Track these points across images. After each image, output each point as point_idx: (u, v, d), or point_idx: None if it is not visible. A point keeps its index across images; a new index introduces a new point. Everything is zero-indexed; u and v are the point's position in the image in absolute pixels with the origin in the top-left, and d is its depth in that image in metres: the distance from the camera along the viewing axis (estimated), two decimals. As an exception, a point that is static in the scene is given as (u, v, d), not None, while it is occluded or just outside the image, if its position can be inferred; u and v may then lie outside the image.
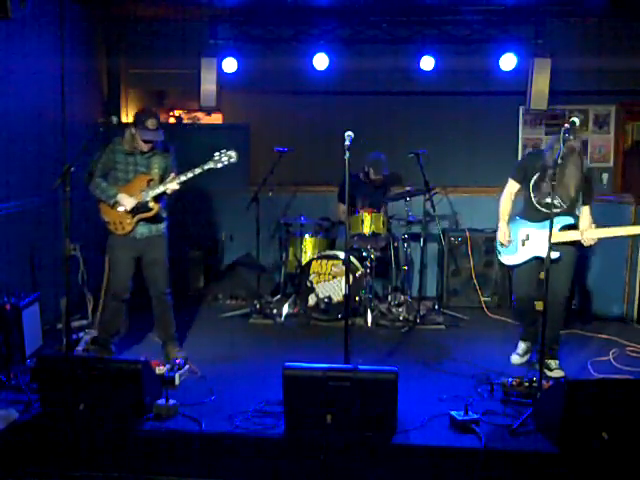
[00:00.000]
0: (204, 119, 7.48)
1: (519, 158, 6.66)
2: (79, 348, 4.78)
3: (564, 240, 4.38)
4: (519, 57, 6.47)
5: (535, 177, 4.47)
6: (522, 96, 6.56)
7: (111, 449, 3.49)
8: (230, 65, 6.68)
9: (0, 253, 4.85)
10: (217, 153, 4.42)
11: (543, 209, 4.46)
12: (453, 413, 3.65)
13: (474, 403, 3.86)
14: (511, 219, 4.68)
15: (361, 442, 3.43)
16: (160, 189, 4.44)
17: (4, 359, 4.27)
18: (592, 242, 4.32)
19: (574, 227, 4.44)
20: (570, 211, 4.46)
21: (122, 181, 4.53)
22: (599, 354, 4.94)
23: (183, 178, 4.41)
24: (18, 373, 4.15)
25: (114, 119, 4.54)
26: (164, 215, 4.65)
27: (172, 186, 4.42)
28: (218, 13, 6.68)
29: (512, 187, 4.64)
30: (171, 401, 3.72)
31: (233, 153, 4.41)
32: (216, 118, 7.32)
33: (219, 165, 4.41)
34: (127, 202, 4.46)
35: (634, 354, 5.01)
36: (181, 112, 7.75)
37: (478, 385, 4.26)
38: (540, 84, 6.40)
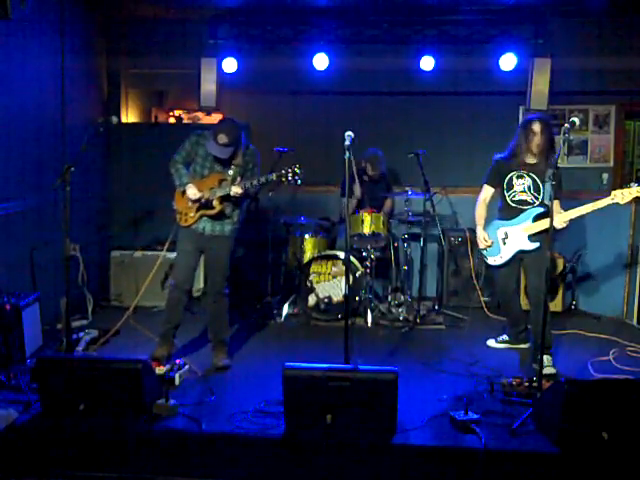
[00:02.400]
0: (204, 119, 7.48)
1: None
2: (79, 348, 4.78)
3: (539, 229, 4.60)
4: (519, 57, 6.47)
5: (507, 178, 4.74)
6: (522, 96, 6.55)
7: (111, 449, 3.49)
8: (230, 65, 6.68)
9: (0, 253, 4.85)
10: (285, 168, 4.39)
11: (517, 205, 4.72)
12: (453, 413, 3.66)
13: (474, 403, 3.86)
14: (488, 222, 4.92)
15: (361, 442, 3.43)
16: (225, 191, 4.43)
17: (4, 359, 4.28)
18: (564, 224, 4.44)
19: (545, 216, 4.58)
20: (541, 203, 4.66)
21: (198, 175, 4.55)
22: (599, 354, 4.94)
23: (247, 185, 4.40)
24: (18, 373, 4.15)
25: (114, 119, 4.53)
26: (235, 218, 4.63)
27: (235, 190, 4.39)
28: (218, 13, 6.68)
29: (487, 192, 4.93)
30: (171, 401, 3.72)
31: (300, 172, 4.36)
32: (216, 118, 7.31)
33: (283, 179, 4.38)
34: (191, 194, 4.45)
35: (634, 354, 5.01)
36: (181, 112, 7.74)
37: (478, 385, 4.26)
38: (540, 84, 6.40)
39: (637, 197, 4.24)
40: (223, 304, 4.70)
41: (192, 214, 4.54)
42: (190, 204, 4.52)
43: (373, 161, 6.20)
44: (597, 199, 4.35)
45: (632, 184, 4.24)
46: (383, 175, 6.36)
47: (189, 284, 4.67)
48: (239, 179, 4.48)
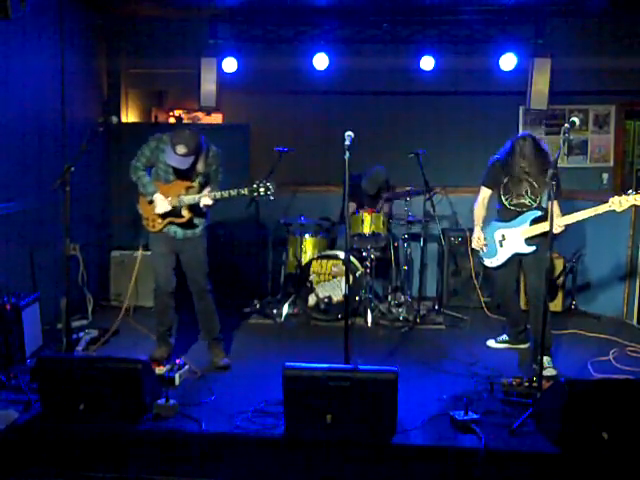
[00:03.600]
0: (204, 119, 7.48)
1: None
2: (79, 348, 4.79)
3: (536, 233, 4.58)
4: (519, 57, 6.47)
5: (505, 180, 4.72)
6: (522, 96, 6.56)
7: (111, 449, 3.50)
8: (230, 65, 6.68)
9: (0, 253, 4.85)
10: (256, 182, 4.30)
11: (514, 208, 4.72)
12: (453, 413, 3.66)
13: (474, 403, 3.86)
14: (487, 223, 4.92)
15: (361, 442, 3.43)
16: (194, 200, 4.36)
17: (4, 359, 4.28)
18: (560, 229, 4.41)
19: (543, 219, 4.57)
20: (538, 206, 4.64)
21: (162, 179, 4.45)
22: (599, 354, 4.94)
23: (217, 196, 4.32)
24: (18, 373, 4.15)
25: (114, 119, 4.51)
26: (203, 219, 4.55)
27: (205, 201, 4.33)
28: (218, 13, 6.68)
29: (484, 193, 4.93)
30: (171, 401, 3.72)
31: (272, 186, 4.27)
32: (216, 118, 7.32)
33: (254, 194, 4.28)
34: (160, 205, 4.38)
35: (634, 354, 5.01)
36: (181, 112, 7.74)
37: (478, 385, 4.26)
38: (540, 84, 6.40)
39: (634, 205, 4.22)
40: (209, 301, 4.65)
41: (159, 221, 4.47)
42: (155, 213, 4.44)
43: (376, 181, 6.18)
44: (597, 199, 4.34)
45: (630, 191, 4.23)
46: (386, 187, 6.38)
47: (171, 286, 4.61)
48: (207, 189, 4.41)
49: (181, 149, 4.19)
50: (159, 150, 4.41)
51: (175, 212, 4.43)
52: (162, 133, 4.50)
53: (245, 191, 4.30)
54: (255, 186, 4.28)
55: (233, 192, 4.32)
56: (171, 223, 4.48)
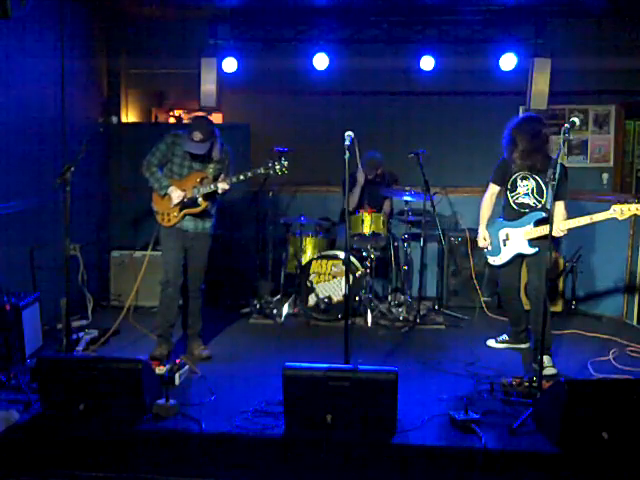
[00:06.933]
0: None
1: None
2: (79, 348, 4.79)
3: (539, 235, 4.58)
4: (519, 57, 6.46)
5: (512, 178, 4.73)
6: (522, 96, 6.55)
7: (111, 449, 3.49)
8: (230, 65, 6.68)
9: (0, 253, 4.85)
10: (270, 160, 4.53)
11: (518, 208, 4.74)
12: (453, 413, 3.66)
13: (474, 403, 3.86)
14: (492, 221, 4.92)
15: (361, 442, 3.43)
16: (211, 188, 4.54)
17: (4, 359, 4.28)
18: (562, 233, 4.46)
19: (547, 221, 4.51)
20: (543, 207, 4.64)
21: (176, 175, 4.64)
22: (599, 354, 4.94)
23: (234, 179, 4.53)
24: (18, 373, 4.15)
25: (114, 119, 4.55)
26: (212, 213, 4.75)
27: (223, 186, 4.53)
28: (218, 13, 6.68)
29: (493, 189, 4.94)
30: (171, 401, 3.72)
31: (286, 163, 4.50)
32: (216, 118, 7.31)
33: (270, 172, 4.52)
34: (175, 196, 4.55)
35: (634, 354, 5.01)
36: (181, 112, 7.75)
37: (478, 385, 4.26)
38: (540, 84, 6.39)
39: (636, 214, 4.24)
40: (200, 300, 4.87)
41: (175, 214, 4.61)
42: (173, 205, 4.58)
43: (372, 164, 6.19)
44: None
45: (633, 200, 4.25)
46: (382, 176, 6.36)
47: (181, 280, 4.74)
48: (222, 176, 4.60)
49: (197, 135, 4.44)
50: (176, 145, 4.60)
51: (191, 203, 4.58)
52: (177, 130, 4.69)
53: (261, 170, 4.52)
54: (270, 164, 4.51)
55: (249, 173, 4.53)
56: (186, 215, 4.61)
